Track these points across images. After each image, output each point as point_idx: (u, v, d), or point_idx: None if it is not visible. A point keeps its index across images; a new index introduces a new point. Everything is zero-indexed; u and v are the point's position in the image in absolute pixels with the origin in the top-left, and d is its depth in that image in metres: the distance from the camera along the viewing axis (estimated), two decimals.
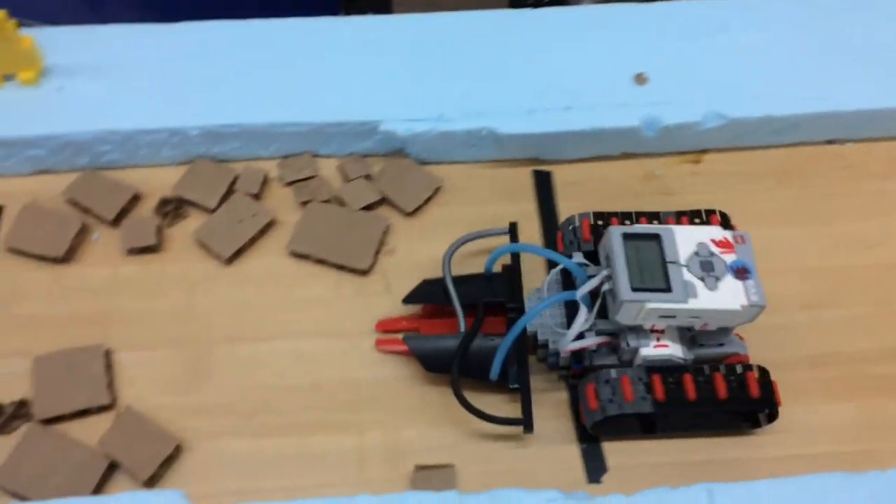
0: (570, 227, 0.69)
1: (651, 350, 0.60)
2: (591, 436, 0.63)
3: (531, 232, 0.75)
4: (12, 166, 0.75)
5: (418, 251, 0.73)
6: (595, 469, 0.63)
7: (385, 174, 0.76)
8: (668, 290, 0.57)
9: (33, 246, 0.71)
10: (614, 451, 0.64)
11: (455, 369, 0.62)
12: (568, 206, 0.76)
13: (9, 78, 0.76)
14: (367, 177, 0.77)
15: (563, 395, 0.66)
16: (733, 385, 0.60)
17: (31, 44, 0.73)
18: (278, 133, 0.76)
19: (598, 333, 0.62)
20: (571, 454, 0.64)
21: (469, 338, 0.63)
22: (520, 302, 0.65)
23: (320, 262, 0.72)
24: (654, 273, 0.58)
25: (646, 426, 0.63)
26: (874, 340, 0.69)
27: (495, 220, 0.73)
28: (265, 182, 0.77)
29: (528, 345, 0.64)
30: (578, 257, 0.66)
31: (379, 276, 0.72)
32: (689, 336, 0.62)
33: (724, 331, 0.62)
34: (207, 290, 0.70)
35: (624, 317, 0.58)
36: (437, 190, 0.76)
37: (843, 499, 0.57)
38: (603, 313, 0.61)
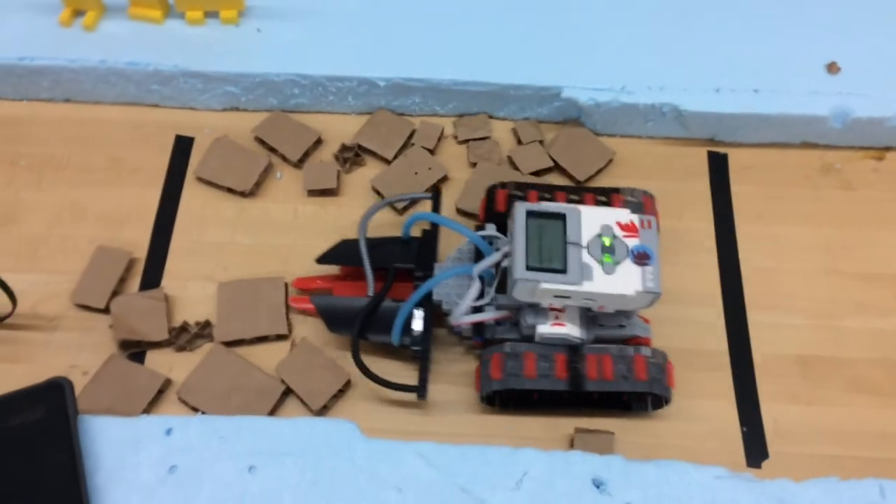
0: (490, 196, 0.68)
1: (548, 328, 0.59)
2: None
3: (702, 213, 0.74)
4: (206, 100, 0.79)
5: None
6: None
7: (558, 141, 0.77)
8: (563, 271, 0.56)
9: (222, 178, 0.74)
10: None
11: (355, 332, 0.62)
12: (741, 190, 0.75)
13: (211, 15, 0.79)
14: (540, 142, 0.77)
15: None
16: (620, 367, 0.60)
17: None
18: (458, 91, 0.77)
19: (499, 308, 0.61)
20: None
21: (374, 302, 0.63)
22: (429, 269, 0.64)
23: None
24: (553, 253, 0.57)
25: (541, 401, 0.64)
26: None
27: (665, 196, 0.72)
28: (440, 138, 0.78)
29: (433, 313, 0.64)
30: (490, 229, 0.65)
31: None
32: (589, 316, 0.61)
33: (625, 313, 0.61)
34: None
35: (520, 294, 0.58)
36: (609, 161, 0.76)
37: None
38: (504, 288, 0.61)
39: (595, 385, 0.60)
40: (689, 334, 0.68)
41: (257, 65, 0.76)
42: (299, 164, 0.76)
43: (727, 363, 0.67)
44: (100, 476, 0.55)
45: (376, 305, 0.63)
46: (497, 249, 0.61)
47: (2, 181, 0.74)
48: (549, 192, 0.67)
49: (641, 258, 0.57)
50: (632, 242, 0.58)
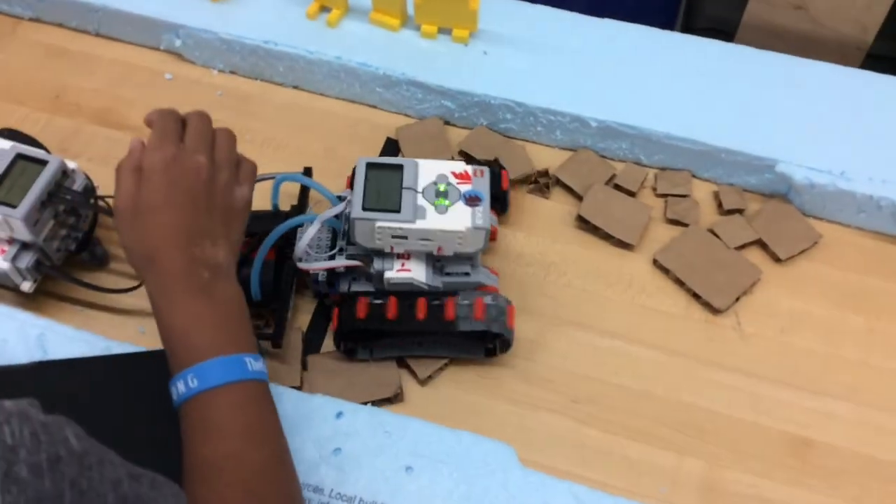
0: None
1: (394, 273, 0.63)
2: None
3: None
4: (422, 110, 0.82)
5: (779, 301, 0.71)
6: None
7: (763, 215, 0.75)
8: (397, 210, 0.60)
9: None
10: None
11: None
12: None
13: (444, 31, 0.83)
14: (741, 211, 0.76)
15: None
16: (462, 309, 0.63)
17: (476, 6, 0.80)
18: (667, 144, 0.77)
19: (349, 258, 0.64)
20: None
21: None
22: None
23: (679, 282, 0.72)
24: (389, 197, 0.61)
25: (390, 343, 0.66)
26: None
27: (867, 294, 0.71)
28: (642, 184, 0.78)
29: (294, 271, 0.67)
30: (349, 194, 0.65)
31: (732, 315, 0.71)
32: (436, 264, 0.65)
33: (470, 260, 0.65)
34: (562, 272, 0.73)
35: (360, 237, 0.62)
36: (814, 244, 0.74)
37: None
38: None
39: (434, 326, 0.63)
40: (865, 436, 0.65)
41: (477, 85, 0.79)
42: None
43: None
44: None
45: (239, 266, 0.62)
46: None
47: None
48: None
49: (473, 200, 0.62)
50: (465, 188, 0.63)
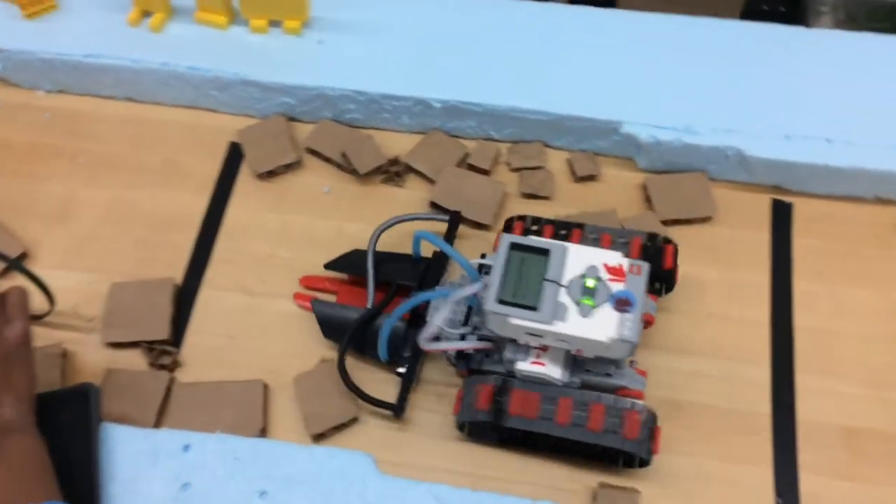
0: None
1: (527, 365, 0.57)
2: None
3: (758, 265, 0.71)
4: (263, 109, 0.79)
5: None
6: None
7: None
8: (534, 308, 0.54)
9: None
10: None
11: (344, 342, 0.61)
12: (804, 244, 0.72)
13: (274, 24, 0.79)
14: (593, 177, 0.75)
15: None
16: (611, 422, 0.56)
17: None
18: (516, 118, 0.75)
19: (481, 339, 0.60)
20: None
21: (369, 315, 0.62)
22: (428, 289, 0.64)
23: None
24: (529, 289, 0.55)
25: (519, 441, 0.61)
26: None
27: (720, 243, 0.71)
28: (496, 162, 0.76)
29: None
30: (491, 259, 0.61)
31: None
32: (573, 358, 0.58)
33: (613, 361, 0.57)
34: None
35: (493, 326, 0.56)
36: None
37: None
38: None
39: (582, 435, 0.57)
40: (730, 392, 0.65)
41: (315, 77, 0.76)
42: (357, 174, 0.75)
43: (768, 427, 0.64)
44: (115, 486, 0.55)
45: (370, 319, 0.63)
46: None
47: (60, 177, 0.76)
48: (567, 230, 0.65)
49: (622, 304, 0.55)
50: (616, 287, 0.55)
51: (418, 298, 0.60)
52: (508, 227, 0.67)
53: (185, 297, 0.69)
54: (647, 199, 0.73)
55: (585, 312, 0.54)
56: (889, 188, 0.72)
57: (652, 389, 0.63)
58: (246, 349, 0.67)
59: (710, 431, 0.63)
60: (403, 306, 0.60)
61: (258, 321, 0.68)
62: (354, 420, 0.63)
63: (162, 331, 0.66)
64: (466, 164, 0.76)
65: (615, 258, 0.57)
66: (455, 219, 0.69)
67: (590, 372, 0.59)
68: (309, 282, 0.70)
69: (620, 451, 0.57)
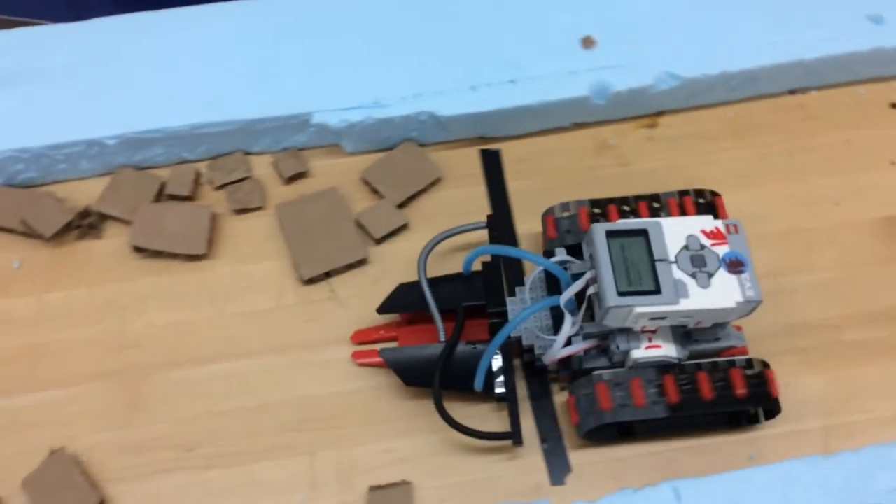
0: (566, 216, 0.63)
1: (643, 352, 0.56)
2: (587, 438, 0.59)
3: (481, 217, 0.71)
4: None
5: None
6: (558, 470, 0.60)
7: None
8: (657, 291, 0.52)
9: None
10: (575, 450, 0.61)
11: (436, 383, 0.58)
12: (520, 186, 0.72)
13: None
14: (302, 175, 0.72)
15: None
16: (719, 387, 0.56)
17: None
18: (204, 134, 0.71)
19: (586, 337, 0.57)
20: (533, 458, 0.61)
21: (449, 348, 0.59)
22: (501, 304, 0.60)
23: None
24: (642, 273, 0.53)
25: (644, 430, 0.60)
26: (844, 306, 0.66)
27: (445, 206, 0.70)
28: (197, 183, 0.72)
29: (512, 350, 0.60)
30: (561, 254, 0.61)
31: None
32: (682, 332, 0.58)
33: (721, 325, 0.58)
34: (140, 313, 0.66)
35: (612, 321, 0.54)
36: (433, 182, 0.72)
37: (814, 486, 0.55)
38: (590, 315, 0.57)
39: (703, 406, 0.56)
40: None
41: None
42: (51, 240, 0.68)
43: None
44: None
45: (452, 350, 0.58)
46: (571, 275, 0.58)
47: None
48: (629, 204, 0.63)
49: (735, 266, 0.54)
50: (722, 250, 0.54)
51: (527, 312, 0.56)
52: (567, 214, 0.63)
53: None
54: (374, 191, 0.71)
55: (704, 283, 0.53)
56: (581, 112, 0.74)
57: None
58: None
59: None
60: (507, 328, 0.56)
61: None
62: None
63: None
64: (166, 196, 0.71)
65: (708, 222, 0.55)
66: (496, 222, 0.65)
67: (698, 342, 0.58)
68: (362, 336, 0.64)
69: (743, 413, 0.58)
